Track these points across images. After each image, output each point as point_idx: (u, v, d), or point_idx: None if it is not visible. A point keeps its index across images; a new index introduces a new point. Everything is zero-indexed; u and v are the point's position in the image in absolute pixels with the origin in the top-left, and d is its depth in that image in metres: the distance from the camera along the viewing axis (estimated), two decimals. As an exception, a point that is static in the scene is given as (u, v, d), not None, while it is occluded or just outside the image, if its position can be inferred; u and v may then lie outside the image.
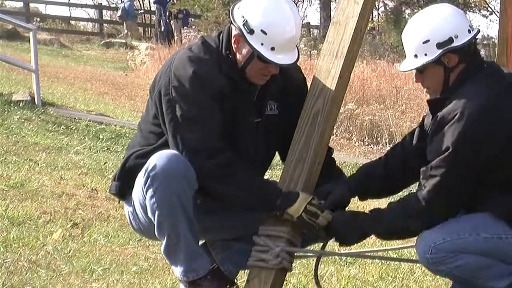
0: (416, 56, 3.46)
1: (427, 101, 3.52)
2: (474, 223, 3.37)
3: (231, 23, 3.49)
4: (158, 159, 3.39)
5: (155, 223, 3.44)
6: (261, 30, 3.40)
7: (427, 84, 3.52)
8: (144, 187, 3.42)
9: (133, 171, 3.54)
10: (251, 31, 3.41)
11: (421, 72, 3.48)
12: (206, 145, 3.38)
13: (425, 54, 3.42)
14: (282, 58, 3.44)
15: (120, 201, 3.73)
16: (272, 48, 3.41)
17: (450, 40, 3.40)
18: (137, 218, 3.61)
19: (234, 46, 3.49)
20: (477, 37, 3.45)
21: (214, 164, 3.38)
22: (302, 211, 3.44)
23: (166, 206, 3.39)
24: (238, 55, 3.49)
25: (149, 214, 3.44)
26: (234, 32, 3.48)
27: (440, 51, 3.40)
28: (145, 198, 3.43)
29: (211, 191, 3.46)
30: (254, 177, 3.50)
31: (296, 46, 3.54)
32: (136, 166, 3.53)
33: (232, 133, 3.50)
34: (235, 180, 3.42)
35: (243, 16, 3.43)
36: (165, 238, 3.46)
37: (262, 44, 3.41)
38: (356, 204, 5.60)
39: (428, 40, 3.41)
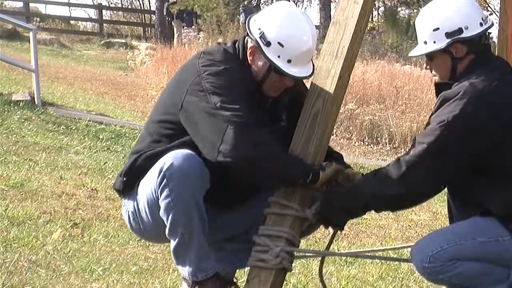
0: (425, 42, 3.50)
1: (435, 83, 3.55)
2: (470, 228, 3.35)
3: (247, 35, 3.49)
4: (174, 158, 3.37)
5: (168, 222, 3.40)
6: (278, 43, 3.40)
7: (435, 72, 3.55)
8: (159, 188, 3.38)
9: (142, 171, 3.51)
10: (268, 44, 3.41)
11: (430, 59, 3.53)
12: (246, 119, 3.30)
13: (434, 42, 3.47)
14: (299, 71, 3.45)
15: (121, 197, 3.70)
16: (289, 61, 3.42)
17: (460, 30, 3.42)
18: (139, 219, 3.58)
19: (249, 58, 3.50)
20: (490, 31, 3.47)
21: (257, 137, 3.31)
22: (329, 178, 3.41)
23: (182, 205, 3.36)
24: (253, 67, 3.50)
25: (162, 214, 3.41)
26: (250, 44, 3.48)
27: (448, 40, 3.43)
28: (159, 198, 3.40)
29: (250, 169, 3.35)
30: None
31: (312, 58, 3.54)
32: (146, 166, 3.49)
33: None
34: (273, 151, 3.36)
35: (259, 29, 3.44)
36: (177, 237, 3.43)
37: (279, 56, 3.42)
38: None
39: (438, 28, 3.45)
